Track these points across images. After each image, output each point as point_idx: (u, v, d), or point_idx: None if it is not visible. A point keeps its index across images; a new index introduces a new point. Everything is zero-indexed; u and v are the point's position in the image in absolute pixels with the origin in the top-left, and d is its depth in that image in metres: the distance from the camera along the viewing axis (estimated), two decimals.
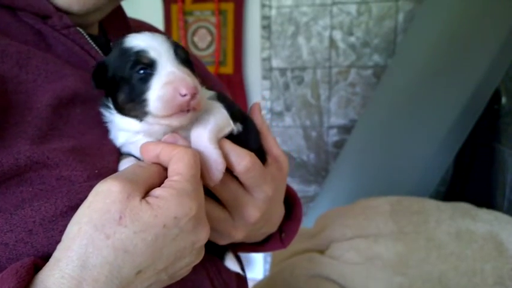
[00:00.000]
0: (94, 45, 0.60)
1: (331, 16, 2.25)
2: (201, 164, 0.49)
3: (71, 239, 0.41)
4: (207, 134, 0.51)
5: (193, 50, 2.41)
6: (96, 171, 0.50)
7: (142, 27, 0.81)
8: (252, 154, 0.54)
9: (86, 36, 0.59)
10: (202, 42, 2.39)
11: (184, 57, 0.52)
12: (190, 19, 2.38)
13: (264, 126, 0.63)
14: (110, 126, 0.54)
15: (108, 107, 0.53)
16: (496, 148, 1.90)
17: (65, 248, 0.40)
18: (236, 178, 0.56)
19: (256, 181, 0.56)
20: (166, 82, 0.47)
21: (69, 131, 0.51)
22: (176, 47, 0.52)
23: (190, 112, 0.49)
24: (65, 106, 0.52)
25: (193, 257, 0.47)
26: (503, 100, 1.84)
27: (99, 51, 0.60)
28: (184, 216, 0.43)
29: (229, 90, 2.67)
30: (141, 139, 0.52)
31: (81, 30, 0.59)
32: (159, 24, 2.40)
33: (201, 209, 0.46)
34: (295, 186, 2.45)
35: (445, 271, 1.18)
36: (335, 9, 2.24)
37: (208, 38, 2.38)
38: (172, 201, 0.43)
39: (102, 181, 0.43)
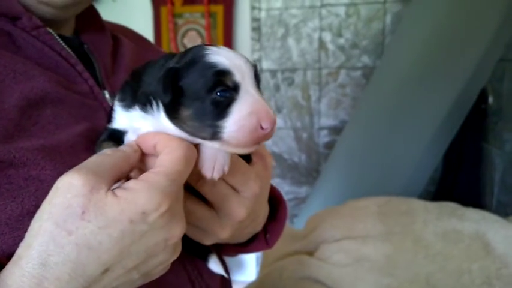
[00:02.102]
0: (65, 46, 0.59)
1: (320, 18, 2.26)
2: (202, 160, 0.48)
3: (32, 236, 0.39)
4: None
5: None
6: (67, 169, 0.48)
7: (123, 31, 0.81)
8: (236, 157, 0.53)
9: (57, 37, 0.59)
10: (192, 45, 2.38)
11: (258, 82, 0.48)
12: (180, 21, 2.37)
13: None
14: (127, 117, 0.50)
15: (152, 104, 0.47)
16: (484, 147, 1.92)
17: (27, 246, 0.39)
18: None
19: (242, 180, 0.55)
20: (252, 111, 0.44)
21: (38, 131, 0.50)
22: (255, 68, 0.48)
23: (261, 143, 0.46)
24: (34, 107, 0.51)
25: (168, 254, 0.45)
26: (490, 100, 1.86)
27: (71, 52, 0.60)
28: (154, 211, 0.41)
29: None
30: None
31: (51, 31, 0.58)
32: (149, 26, 2.39)
33: (175, 204, 0.43)
34: (287, 187, 2.45)
35: (433, 271, 1.19)
36: (324, 11, 2.25)
37: (199, 40, 2.38)
38: (141, 195, 0.41)
39: (63, 175, 0.41)
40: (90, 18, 0.71)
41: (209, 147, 0.48)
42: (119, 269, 0.41)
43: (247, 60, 0.48)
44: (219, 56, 0.45)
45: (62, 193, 0.40)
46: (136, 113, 0.49)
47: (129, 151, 0.46)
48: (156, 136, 0.47)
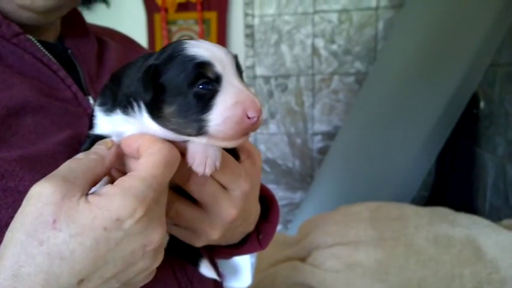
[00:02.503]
0: (46, 52, 0.58)
1: (313, 24, 2.28)
2: (192, 156, 0.47)
3: (5, 247, 0.38)
4: None
5: None
6: None
7: (110, 34, 0.80)
8: (224, 153, 0.51)
9: (37, 44, 0.58)
10: None
11: (241, 71, 0.47)
12: (173, 28, 2.38)
13: None
14: (110, 121, 0.49)
15: (133, 106, 0.46)
16: (476, 152, 1.94)
17: (0, 257, 0.38)
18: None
19: (231, 177, 0.54)
20: (236, 102, 0.42)
21: (18, 141, 0.49)
22: (236, 59, 0.47)
23: (249, 134, 0.45)
24: (14, 116, 0.50)
25: (148, 261, 0.43)
26: (482, 105, 1.88)
27: (52, 58, 0.59)
28: (128, 218, 0.39)
29: None
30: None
31: (31, 37, 0.57)
32: (143, 33, 2.40)
33: (153, 209, 0.42)
34: (281, 193, 2.45)
35: (424, 277, 1.19)
36: (317, 17, 2.27)
37: None
38: (115, 201, 0.39)
39: (35, 184, 0.40)
40: (73, 22, 0.70)
41: (199, 143, 0.47)
42: (95, 279, 0.39)
43: (228, 52, 0.46)
44: (198, 49, 0.44)
45: (33, 202, 0.39)
46: (118, 116, 0.48)
47: (103, 152, 0.45)
48: (139, 138, 0.46)
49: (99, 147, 0.46)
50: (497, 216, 1.72)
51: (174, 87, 0.43)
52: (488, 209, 1.82)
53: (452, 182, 1.96)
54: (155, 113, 0.45)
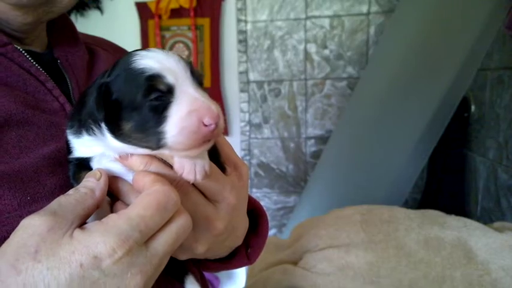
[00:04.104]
0: (34, 63, 0.57)
1: (305, 30, 2.30)
2: (181, 165, 0.46)
3: None
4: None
5: None
6: (29, 197, 0.46)
7: (101, 44, 0.78)
8: (210, 162, 0.51)
9: (25, 54, 0.57)
10: None
11: (200, 78, 0.46)
12: (167, 34, 2.40)
13: (220, 136, 0.61)
14: (81, 142, 0.48)
15: (94, 126, 0.46)
16: (467, 155, 1.95)
17: None
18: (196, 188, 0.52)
19: (216, 189, 0.53)
20: (190, 111, 0.42)
21: (1, 156, 0.48)
22: (191, 67, 0.45)
23: (211, 141, 0.44)
24: None
25: None
26: (473, 108, 1.90)
27: (40, 69, 0.57)
28: (107, 257, 0.38)
29: None
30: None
31: (19, 47, 0.56)
32: (137, 39, 2.41)
33: (135, 253, 0.39)
34: (275, 197, 2.46)
35: (415, 279, 1.19)
36: (309, 23, 2.29)
37: (186, 53, 2.40)
38: (95, 237, 0.38)
39: (27, 217, 0.39)
40: (64, 31, 0.68)
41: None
42: None
43: (180, 59, 0.45)
44: (148, 60, 0.43)
45: (20, 233, 0.38)
46: (86, 137, 0.47)
47: (92, 184, 0.44)
48: (145, 177, 0.45)
49: (88, 179, 0.45)
50: (489, 218, 1.73)
51: (129, 103, 0.43)
52: (480, 212, 1.83)
53: (443, 185, 1.97)
54: (115, 130, 0.44)
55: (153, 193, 0.42)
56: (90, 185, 0.44)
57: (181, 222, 0.44)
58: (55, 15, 0.62)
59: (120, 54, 0.80)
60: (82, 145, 0.48)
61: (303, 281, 1.23)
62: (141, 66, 0.43)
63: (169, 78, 0.43)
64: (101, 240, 0.38)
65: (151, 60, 0.43)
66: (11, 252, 0.37)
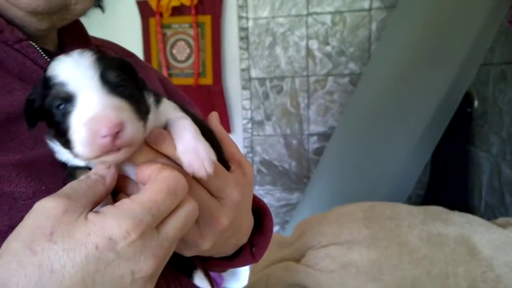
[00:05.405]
0: (48, 60, 0.58)
1: (307, 26, 2.29)
2: (188, 164, 0.46)
3: None
4: (190, 133, 0.48)
5: (172, 63, 2.42)
6: (43, 187, 0.47)
7: (110, 46, 0.80)
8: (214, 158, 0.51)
9: (39, 50, 0.58)
10: (181, 55, 2.41)
11: (118, 81, 0.44)
12: (168, 32, 2.40)
13: (224, 133, 0.61)
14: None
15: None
16: (470, 151, 1.94)
17: None
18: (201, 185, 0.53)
19: (220, 185, 0.53)
20: (83, 123, 0.40)
21: (17, 146, 0.49)
22: (106, 70, 0.43)
23: (123, 149, 0.42)
24: (13, 121, 0.50)
25: None
26: (476, 103, 1.89)
27: None
28: (121, 239, 0.38)
29: (209, 101, 2.67)
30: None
31: (34, 44, 0.57)
32: (138, 37, 2.41)
33: (148, 236, 0.40)
34: (278, 194, 2.46)
35: (418, 276, 1.19)
36: (310, 19, 2.28)
37: (187, 50, 2.40)
38: (110, 220, 0.39)
39: (41, 199, 0.40)
40: (74, 31, 0.69)
41: (188, 150, 0.47)
42: None
43: (94, 63, 0.43)
44: (58, 67, 0.43)
45: (35, 215, 0.39)
46: (56, 147, 0.48)
47: (103, 171, 0.45)
48: (150, 166, 0.45)
49: (99, 166, 0.46)
50: (493, 214, 1.73)
51: (46, 112, 0.43)
52: (484, 208, 1.83)
53: (447, 181, 1.96)
54: (55, 139, 0.46)
55: (163, 178, 0.43)
56: (101, 172, 0.44)
57: (189, 208, 0.45)
58: (69, 22, 0.64)
59: (128, 58, 0.82)
60: (64, 154, 0.48)
61: (306, 278, 1.24)
62: (50, 74, 0.43)
63: (71, 86, 0.42)
64: (116, 223, 0.39)
65: (60, 67, 0.43)
66: (27, 233, 0.38)
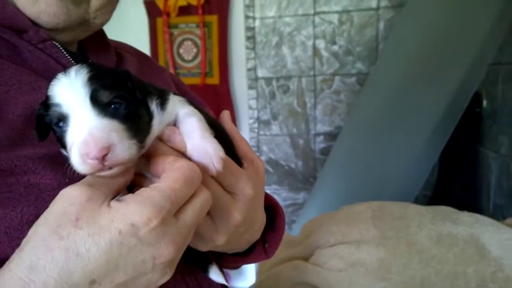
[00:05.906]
0: (71, 60, 0.60)
1: (314, 26, 2.29)
2: (199, 162, 0.48)
3: (26, 241, 0.40)
4: (198, 131, 0.50)
5: (179, 62, 2.43)
6: (67, 179, 0.48)
7: (126, 49, 0.82)
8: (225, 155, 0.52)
9: (63, 50, 0.59)
10: (188, 54, 2.42)
11: (110, 100, 0.44)
12: (175, 32, 2.40)
13: (236, 132, 0.63)
14: None
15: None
16: (479, 151, 1.93)
17: (19, 250, 0.40)
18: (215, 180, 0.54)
19: (233, 180, 0.55)
20: (74, 144, 0.42)
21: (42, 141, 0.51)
22: (98, 90, 0.43)
23: (115, 167, 0.43)
24: None
25: (157, 274, 0.43)
26: (485, 103, 1.88)
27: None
28: (143, 225, 0.40)
29: (216, 101, 2.67)
30: None
31: (57, 44, 0.59)
32: (145, 37, 2.42)
33: (168, 223, 0.42)
34: (284, 193, 2.46)
35: (427, 275, 1.19)
36: (317, 18, 2.28)
37: (194, 50, 2.40)
38: (132, 207, 0.41)
39: (65, 188, 0.42)
40: (95, 36, 0.71)
41: (196, 148, 0.49)
42: (106, 283, 0.40)
43: (87, 82, 0.44)
44: (55, 87, 0.44)
45: (60, 202, 0.41)
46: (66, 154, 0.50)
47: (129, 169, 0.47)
48: (166, 159, 0.47)
49: None
50: (502, 215, 1.71)
51: (50, 127, 0.46)
52: (492, 208, 1.81)
53: (455, 182, 1.95)
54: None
55: (180, 168, 0.45)
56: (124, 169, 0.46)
57: (203, 197, 0.47)
58: (90, 33, 0.66)
59: (145, 61, 0.85)
60: None
61: (314, 277, 1.24)
62: (49, 94, 0.45)
63: (64, 107, 0.43)
64: (138, 209, 0.40)
65: (57, 88, 0.44)
66: (53, 219, 0.40)
